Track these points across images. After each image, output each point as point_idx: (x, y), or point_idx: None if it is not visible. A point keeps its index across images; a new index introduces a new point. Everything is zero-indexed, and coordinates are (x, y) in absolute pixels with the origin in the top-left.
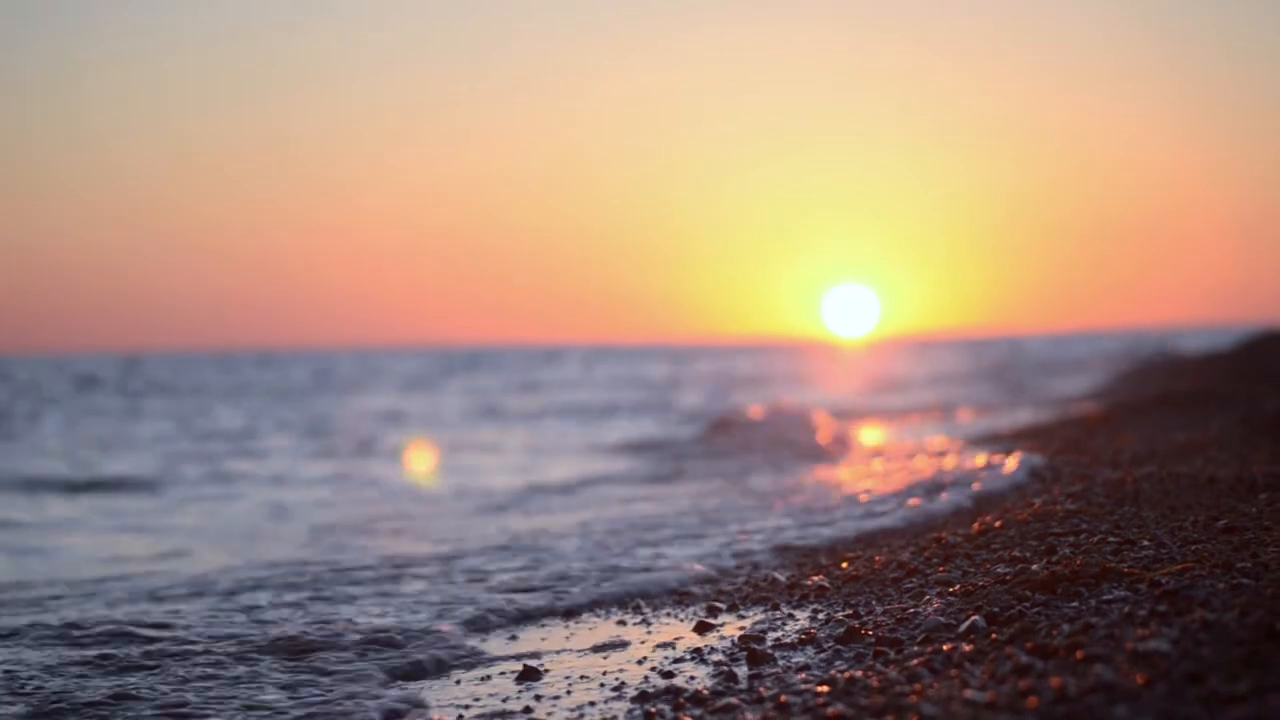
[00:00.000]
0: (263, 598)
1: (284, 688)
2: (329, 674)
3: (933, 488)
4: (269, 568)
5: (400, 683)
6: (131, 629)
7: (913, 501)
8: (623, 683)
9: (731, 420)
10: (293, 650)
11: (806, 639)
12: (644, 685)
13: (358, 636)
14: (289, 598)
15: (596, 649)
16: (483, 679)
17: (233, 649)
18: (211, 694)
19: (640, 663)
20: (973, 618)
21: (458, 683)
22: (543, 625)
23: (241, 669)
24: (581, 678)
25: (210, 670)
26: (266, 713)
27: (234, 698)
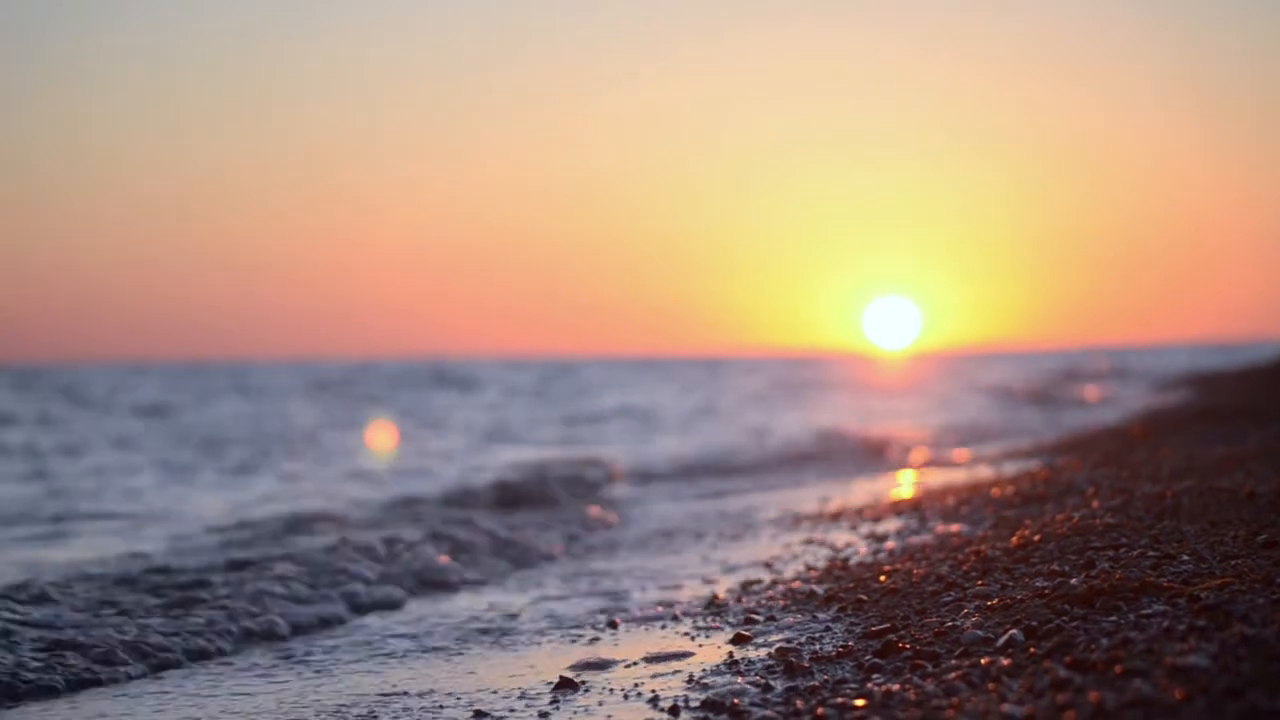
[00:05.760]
0: None
1: None
2: None
3: None
4: None
5: None
6: None
7: None
8: (658, 694)
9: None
10: None
11: (844, 652)
12: (679, 698)
13: None
14: None
15: (633, 661)
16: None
17: None
18: None
19: (676, 674)
20: (1011, 631)
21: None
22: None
23: None
24: (618, 689)
25: None
26: None
27: None
